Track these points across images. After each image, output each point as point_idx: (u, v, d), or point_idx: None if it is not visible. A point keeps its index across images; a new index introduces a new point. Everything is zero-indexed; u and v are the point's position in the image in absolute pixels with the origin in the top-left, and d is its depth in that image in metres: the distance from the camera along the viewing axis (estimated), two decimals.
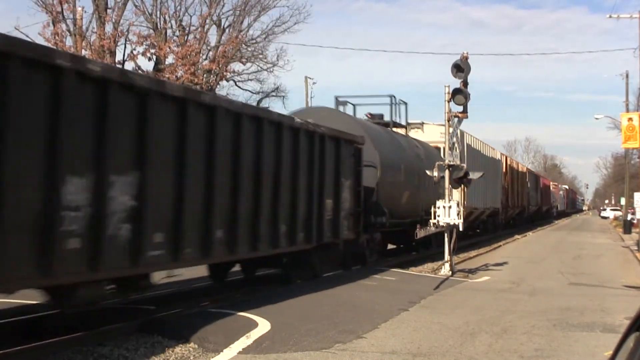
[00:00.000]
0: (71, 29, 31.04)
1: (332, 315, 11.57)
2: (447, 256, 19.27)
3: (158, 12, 35.26)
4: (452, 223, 18.79)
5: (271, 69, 39.13)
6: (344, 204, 16.32)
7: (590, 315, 12.53)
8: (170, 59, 33.27)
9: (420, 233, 20.17)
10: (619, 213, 73.59)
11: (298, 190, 13.94)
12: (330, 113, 20.21)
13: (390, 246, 24.63)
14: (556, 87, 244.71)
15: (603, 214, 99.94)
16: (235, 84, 39.79)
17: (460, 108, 18.98)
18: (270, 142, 12.89)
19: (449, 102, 18.96)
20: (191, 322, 10.08)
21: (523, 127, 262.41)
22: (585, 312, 12.89)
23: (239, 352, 8.91)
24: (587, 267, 22.71)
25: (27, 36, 28.92)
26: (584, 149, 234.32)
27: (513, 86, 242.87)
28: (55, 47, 25.93)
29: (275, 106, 54.47)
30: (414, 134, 27.56)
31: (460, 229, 19.09)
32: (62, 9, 30.69)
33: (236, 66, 37.87)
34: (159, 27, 35.04)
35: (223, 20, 37.39)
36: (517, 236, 40.73)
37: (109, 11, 32.27)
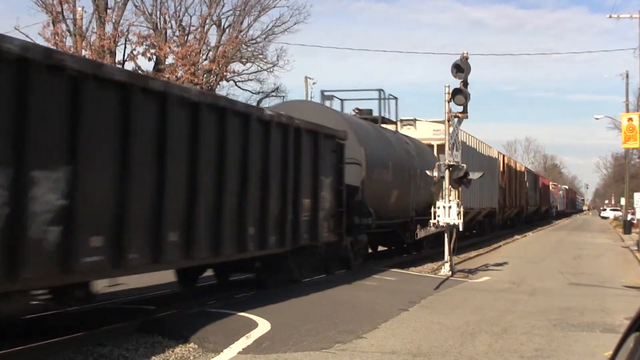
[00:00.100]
0: (71, 29, 31.10)
1: (332, 315, 11.57)
2: (447, 256, 19.26)
3: (158, 12, 35.36)
4: (452, 223, 18.78)
5: (271, 69, 39.21)
6: (323, 204, 15.16)
7: (590, 315, 12.53)
8: (170, 59, 33.37)
9: (421, 233, 20.18)
10: (619, 213, 73.59)
11: (269, 189, 12.78)
12: (311, 107, 19.22)
13: (383, 248, 24.32)
14: (556, 87, 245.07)
15: (603, 214, 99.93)
16: (235, 84, 39.85)
17: (460, 108, 18.99)
18: (236, 135, 11.70)
19: (449, 102, 18.96)
20: (191, 322, 10.08)
21: (523, 127, 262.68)
22: (585, 312, 12.89)
23: (239, 352, 8.91)
24: (587, 267, 22.70)
25: (27, 36, 28.98)
26: (584, 149, 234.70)
27: (513, 86, 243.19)
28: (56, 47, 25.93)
29: None
30: (406, 130, 26.73)
31: (460, 229, 19.09)
32: (62, 9, 30.75)
33: (236, 66, 37.97)
34: (159, 27, 35.07)
35: (223, 20, 37.49)
36: (517, 236, 40.72)
37: (109, 11, 32.33)
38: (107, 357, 8.46)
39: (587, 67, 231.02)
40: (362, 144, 18.22)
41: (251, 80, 39.98)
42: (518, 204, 48.76)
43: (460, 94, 18.71)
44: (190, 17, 36.10)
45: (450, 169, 19.00)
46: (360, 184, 17.83)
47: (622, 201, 60.36)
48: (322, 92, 23.21)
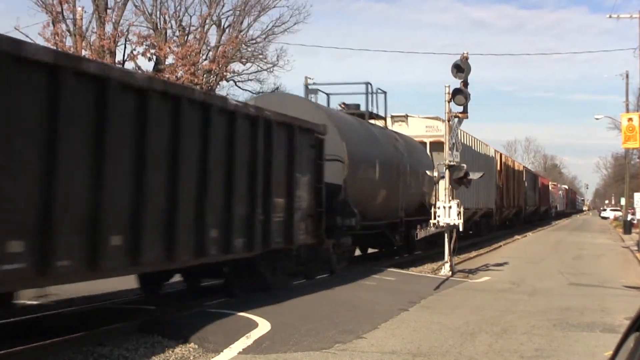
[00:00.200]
0: (71, 29, 31.12)
1: (332, 315, 11.57)
2: (447, 256, 19.26)
3: (158, 12, 35.36)
4: (452, 223, 18.78)
5: (271, 69, 39.16)
6: (299, 204, 13.97)
7: (590, 316, 12.53)
8: (170, 59, 33.38)
9: (421, 234, 20.18)
10: (619, 213, 73.60)
11: (234, 187, 11.50)
12: (290, 100, 17.78)
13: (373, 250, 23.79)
14: (556, 87, 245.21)
15: (603, 214, 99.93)
16: (235, 84, 39.81)
17: (461, 108, 18.99)
18: (194, 127, 10.49)
19: (449, 102, 18.96)
20: (191, 322, 10.08)
21: (523, 127, 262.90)
22: (585, 312, 12.89)
23: (239, 352, 8.91)
24: (587, 268, 22.70)
25: (27, 36, 28.99)
26: (584, 149, 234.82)
27: (513, 86, 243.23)
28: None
29: None
30: (397, 127, 25.60)
31: (461, 229, 19.09)
32: (62, 9, 30.77)
33: (236, 66, 37.95)
34: (159, 27, 35.07)
35: (223, 21, 37.48)
36: (517, 236, 40.74)
37: (109, 11, 32.36)
38: (107, 357, 8.46)
39: (587, 67, 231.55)
40: (345, 139, 17.04)
41: (251, 80, 39.96)
42: (516, 204, 48.08)
43: (460, 94, 18.71)
44: (190, 17, 36.16)
45: (450, 169, 19.01)
46: (342, 182, 16.67)
47: (622, 201, 60.38)
48: (306, 85, 22.02)
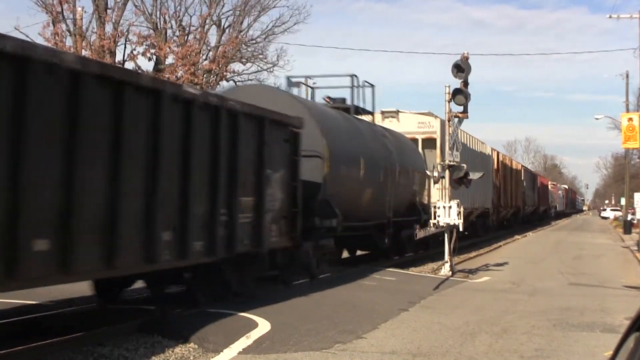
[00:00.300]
0: (71, 29, 31.13)
1: (332, 315, 11.57)
2: (447, 256, 19.27)
3: (158, 12, 35.36)
4: (452, 223, 18.79)
5: (271, 69, 39.13)
6: (271, 203, 12.78)
7: (590, 315, 12.54)
8: (170, 59, 33.38)
9: (420, 234, 20.16)
10: (619, 213, 73.61)
11: (191, 184, 10.29)
12: (264, 91, 16.82)
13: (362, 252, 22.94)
14: (556, 87, 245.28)
15: (603, 214, 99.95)
16: (236, 84, 39.79)
17: (461, 108, 19.01)
18: (141, 117, 9.33)
19: (449, 102, 18.98)
20: (191, 322, 10.08)
21: (523, 127, 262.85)
22: (585, 312, 12.89)
23: (239, 352, 8.91)
24: (587, 268, 22.71)
25: (27, 36, 28.99)
26: (584, 149, 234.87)
27: (513, 86, 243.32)
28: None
29: None
30: (387, 123, 24.36)
31: (461, 229, 19.10)
32: (62, 9, 30.78)
33: (236, 66, 37.94)
34: (159, 27, 35.09)
35: (223, 21, 37.48)
36: (517, 236, 40.77)
37: (109, 11, 32.36)
38: (107, 357, 8.46)
39: (587, 67, 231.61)
40: (325, 134, 15.74)
41: (251, 80, 39.84)
42: (514, 204, 47.43)
43: (460, 94, 18.73)
44: (190, 17, 36.15)
45: (450, 169, 19.02)
46: (322, 180, 15.38)
47: (622, 201, 60.40)
48: (288, 77, 20.58)
